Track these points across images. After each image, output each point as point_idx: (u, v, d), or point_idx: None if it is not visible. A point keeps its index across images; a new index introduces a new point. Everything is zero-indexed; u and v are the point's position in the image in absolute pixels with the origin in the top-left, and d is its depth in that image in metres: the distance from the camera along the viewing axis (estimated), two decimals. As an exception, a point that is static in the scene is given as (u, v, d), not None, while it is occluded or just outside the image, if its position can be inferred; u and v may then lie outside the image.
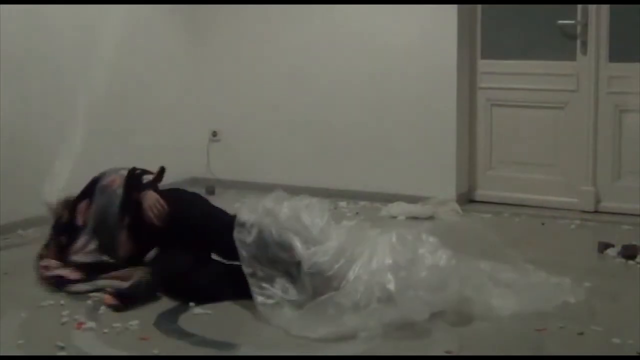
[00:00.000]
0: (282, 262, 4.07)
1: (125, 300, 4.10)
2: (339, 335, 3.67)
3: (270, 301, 3.96)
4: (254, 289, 4.00)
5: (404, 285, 3.88)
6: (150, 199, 4.46)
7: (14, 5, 5.48)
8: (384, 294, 3.87)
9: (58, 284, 4.39)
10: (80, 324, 3.89)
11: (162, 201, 4.45)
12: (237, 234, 4.14)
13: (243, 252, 4.09)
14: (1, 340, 3.76)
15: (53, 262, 4.55)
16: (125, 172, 4.70)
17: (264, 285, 4.01)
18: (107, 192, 4.66)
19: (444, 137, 6.12)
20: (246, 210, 4.25)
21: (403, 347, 3.62)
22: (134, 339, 3.74)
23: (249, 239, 4.12)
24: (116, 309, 4.06)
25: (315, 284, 3.96)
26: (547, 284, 4.15)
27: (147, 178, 4.65)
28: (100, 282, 4.34)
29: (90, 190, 4.73)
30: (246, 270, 4.05)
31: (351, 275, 3.96)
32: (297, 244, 4.08)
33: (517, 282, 4.12)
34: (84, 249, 4.59)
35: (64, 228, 4.70)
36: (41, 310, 4.10)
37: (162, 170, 4.68)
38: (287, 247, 4.08)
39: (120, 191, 4.61)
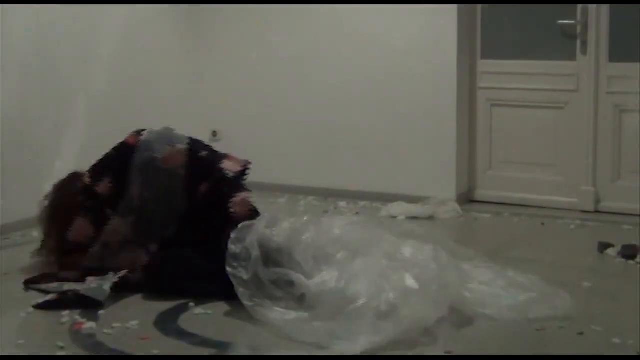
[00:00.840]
0: (282, 298, 3.90)
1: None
2: (379, 345, 3.52)
3: (288, 316, 3.78)
4: (266, 312, 3.83)
5: (421, 281, 3.84)
6: (244, 199, 4.33)
7: (15, 5, 5.48)
8: (406, 292, 3.79)
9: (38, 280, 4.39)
10: (80, 324, 3.89)
11: (252, 203, 4.32)
12: (232, 270, 3.91)
13: (241, 289, 3.88)
14: (1, 340, 3.77)
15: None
16: (183, 147, 4.45)
17: (276, 308, 3.85)
18: (166, 169, 4.42)
19: (444, 137, 6.12)
20: (236, 240, 4.00)
21: (403, 347, 3.62)
22: (134, 339, 3.74)
23: (246, 276, 3.91)
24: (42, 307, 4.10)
25: (330, 300, 3.79)
26: (533, 288, 4.10)
27: (229, 170, 4.43)
28: (66, 286, 4.30)
29: (125, 159, 4.50)
30: (248, 303, 3.87)
31: (364, 279, 3.83)
32: (298, 278, 3.89)
33: (496, 282, 4.11)
34: (117, 232, 4.43)
35: (88, 194, 4.53)
36: (41, 310, 4.10)
37: (247, 165, 4.51)
38: (284, 285, 3.91)
39: (182, 172, 4.42)
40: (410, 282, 3.81)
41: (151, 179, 4.43)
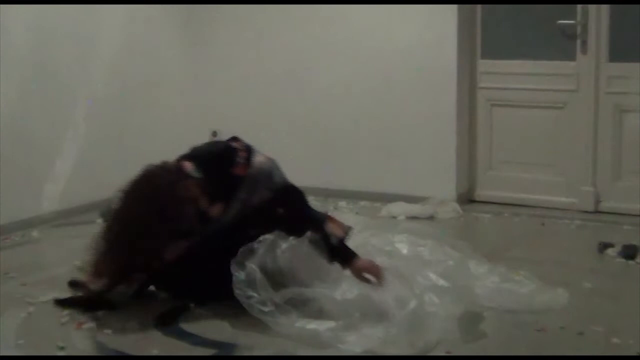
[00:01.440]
0: (300, 316, 3.76)
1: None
2: (433, 344, 3.56)
3: (328, 324, 3.66)
4: (292, 323, 3.72)
5: (446, 278, 3.88)
6: (374, 264, 4.01)
7: (14, 5, 5.48)
8: (440, 291, 3.83)
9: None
10: (80, 324, 3.89)
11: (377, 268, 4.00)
12: (241, 293, 3.77)
13: (264, 317, 3.75)
14: (1, 340, 3.76)
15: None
16: (270, 195, 4.11)
17: (304, 320, 3.76)
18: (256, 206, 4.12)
19: (444, 137, 6.12)
20: (238, 266, 3.84)
21: (403, 347, 3.62)
22: (134, 339, 3.74)
23: (258, 296, 3.76)
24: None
25: (358, 308, 3.73)
26: (527, 282, 4.20)
27: (333, 235, 4.05)
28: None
29: (233, 188, 4.08)
30: (269, 319, 3.74)
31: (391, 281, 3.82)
32: (318, 292, 3.76)
33: (490, 277, 4.19)
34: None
35: (203, 218, 4.01)
36: (41, 310, 4.10)
37: (349, 230, 4.15)
38: (298, 304, 3.78)
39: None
40: (441, 281, 3.86)
41: (245, 213, 4.12)
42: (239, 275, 3.81)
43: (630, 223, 5.55)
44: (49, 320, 3.97)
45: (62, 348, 3.64)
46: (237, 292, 3.79)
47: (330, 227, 4.07)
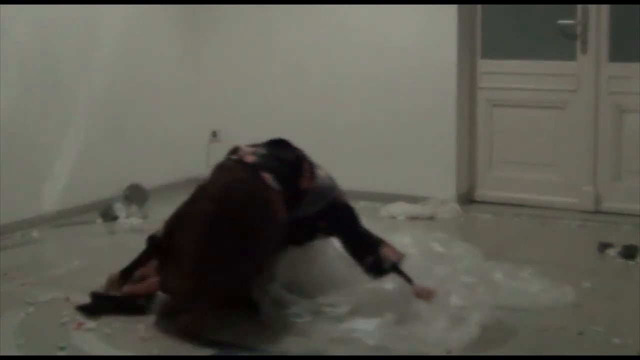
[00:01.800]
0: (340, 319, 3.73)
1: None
2: (474, 336, 3.59)
3: (366, 325, 3.64)
4: (349, 327, 3.67)
5: (476, 273, 3.96)
6: (424, 291, 3.91)
7: (15, 5, 5.48)
8: (465, 286, 3.90)
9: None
10: (80, 324, 3.89)
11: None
12: (283, 319, 3.74)
13: (303, 328, 3.71)
14: (1, 340, 3.76)
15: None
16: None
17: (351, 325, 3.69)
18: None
19: (444, 137, 6.12)
20: (263, 293, 3.80)
21: (403, 347, 3.62)
22: (134, 339, 3.74)
23: (294, 310, 3.74)
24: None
25: (395, 303, 3.72)
26: (530, 279, 4.26)
27: (387, 259, 3.94)
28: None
29: (298, 200, 3.98)
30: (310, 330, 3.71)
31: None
32: (352, 292, 3.76)
33: (493, 275, 4.25)
34: None
35: None
36: (41, 310, 4.10)
37: (402, 257, 4.02)
38: (336, 305, 3.74)
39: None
40: (466, 279, 3.94)
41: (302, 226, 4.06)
42: (265, 302, 3.80)
43: (630, 223, 5.56)
44: (49, 320, 3.97)
45: (62, 348, 3.64)
46: (266, 315, 3.77)
47: (384, 252, 3.98)
